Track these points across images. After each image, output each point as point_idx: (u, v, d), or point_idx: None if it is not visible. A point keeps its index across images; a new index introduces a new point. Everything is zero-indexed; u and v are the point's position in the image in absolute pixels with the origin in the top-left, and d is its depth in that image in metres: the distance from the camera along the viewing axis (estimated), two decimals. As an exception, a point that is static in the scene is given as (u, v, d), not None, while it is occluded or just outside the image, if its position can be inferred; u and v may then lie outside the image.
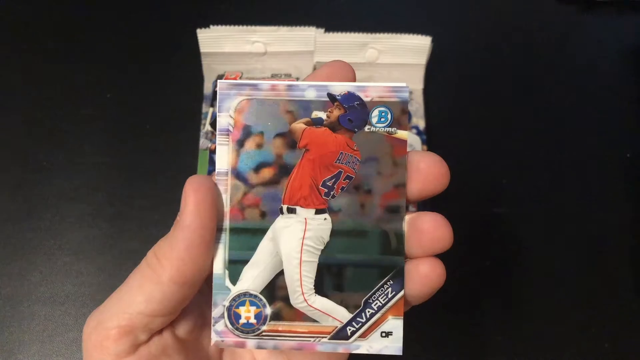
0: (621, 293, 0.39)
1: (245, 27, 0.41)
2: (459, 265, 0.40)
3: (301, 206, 0.22)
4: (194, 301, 0.23)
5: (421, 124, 0.42)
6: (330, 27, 0.42)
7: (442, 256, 0.39)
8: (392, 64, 0.42)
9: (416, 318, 0.37)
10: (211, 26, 0.41)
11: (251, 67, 0.42)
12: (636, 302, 0.39)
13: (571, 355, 0.38)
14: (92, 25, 0.45)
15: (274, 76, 0.42)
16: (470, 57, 0.46)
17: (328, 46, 0.41)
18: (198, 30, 0.41)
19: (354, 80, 0.23)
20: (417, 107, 0.43)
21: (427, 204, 0.39)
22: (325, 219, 0.22)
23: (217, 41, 0.41)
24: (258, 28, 0.41)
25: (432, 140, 0.42)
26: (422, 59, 0.42)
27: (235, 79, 0.42)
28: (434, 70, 0.43)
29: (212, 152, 0.39)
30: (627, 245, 0.41)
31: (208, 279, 0.22)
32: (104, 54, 0.45)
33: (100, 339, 0.21)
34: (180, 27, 0.44)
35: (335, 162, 0.22)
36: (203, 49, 0.41)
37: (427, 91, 0.43)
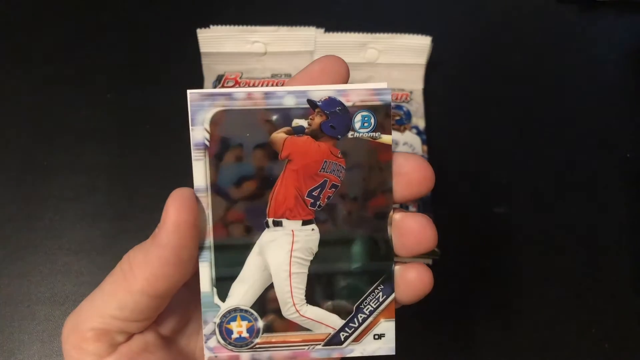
0: (621, 293, 0.39)
1: (245, 27, 0.41)
2: (459, 265, 0.40)
3: (287, 218, 0.22)
4: (177, 300, 0.23)
5: (421, 124, 0.42)
6: (330, 27, 0.42)
7: (443, 256, 0.39)
8: (392, 64, 0.42)
9: (416, 317, 0.38)
10: (211, 26, 0.41)
11: (251, 67, 0.42)
12: (636, 302, 0.39)
13: (571, 355, 0.38)
14: (92, 25, 0.45)
15: (274, 76, 0.42)
16: (470, 57, 0.46)
17: (328, 46, 0.41)
18: (198, 30, 0.41)
19: (348, 75, 0.22)
20: (417, 107, 0.43)
21: (427, 204, 0.39)
22: (313, 229, 0.22)
23: (217, 41, 0.41)
24: (258, 28, 0.41)
25: (432, 140, 0.42)
26: (422, 59, 0.42)
27: (235, 79, 0.42)
28: (434, 70, 0.43)
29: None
30: (626, 245, 0.41)
31: (194, 275, 0.22)
32: (104, 54, 0.45)
33: (77, 341, 0.21)
34: (180, 27, 0.44)
35: (320, 171, 0.22)
36: (203, 49, 0.41)
37: (427, 91, 0.43)
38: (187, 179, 0.41)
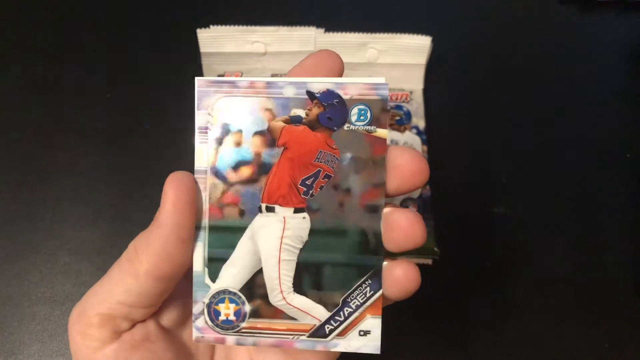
0: (621, 293, 0.39)
1: (245, 27, 0.41)
2: (459, 265, 0.40)
3: (280, 205, 0.22)
4: (179, 292, 0.23)
5: (421, 124, 0.42)
6: (330, 27, 0.42)
7: (443, 256, 0.39)
8: (392, 64, 0.42)
9: (415, 317, 0.38)
10: (211, 26, 0.41)
11: (251, 67, 0.42)
12: (636, 302, 0.39)
13: (571, 355, 0.38)
14: (92, 25, 0.46)
15: (274, 76, 0.42)
16: (470, 57, 0.46)
17: (328, 46, 0.41)
18: (198, 30, 0.41)
19: (342, 70, 0.23)
20: (417, 107, 0.43)
21: (427, 204, 0.39)
22: (304, 217, 0.22)
23: (217, 41, 0.41)
24: (258, 28, 0.41)
25: (432, 140, 0.42)
26: (422, 59, 0.42)
27: (235, 79, 0.42)
28: (434, 70, 0.43)
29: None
30: (627, 246, 0.41)
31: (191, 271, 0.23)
32: (104, 54, 0.45)
33: (83, 327, 0.21)
34: (180, 27, 0.44)
35: (314, 160, 0.22)
36: (203, 49, 0.41)
37: (427, 91, 0.43)
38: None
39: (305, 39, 0.41)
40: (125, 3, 0.46)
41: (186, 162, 0.40)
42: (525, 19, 0.48)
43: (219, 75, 0.42)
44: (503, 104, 0.45)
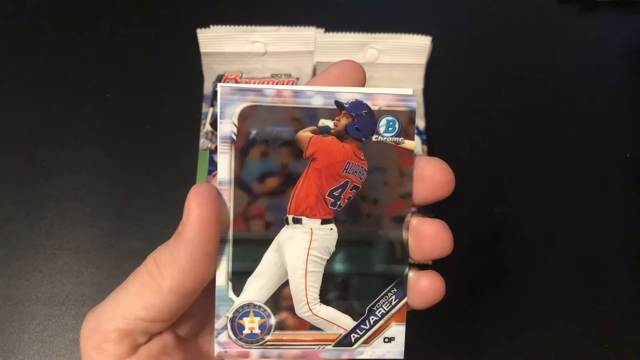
0: (621, 293, 0.39)
1: (245, 27, 0.41)
2: (459, 265, 0.40)
3: (307, 216, 0.22)
4: (196, 301, 0.23)
5: (421, 124, 0.42)
6: (330, 27, 0.42)
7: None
8: (392, 64, 0.42)
9: (414, 317, 0.37)
10: (211, 26, 0.41)
11: (251, 67, 0.42)
12: (636, 302, 0.39)
13: (571, 355, 0.38)
14: (92, 25, 0.45)
15: (274, 76, 0.42)
16: (470, 57, 0.46)
17: (328, 46, 0.41)
18: (198, 30, 0.41)
19: (365, 81, 0.23)
20: (417, 107, 0.43)
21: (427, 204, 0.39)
22: (331, 229, 0.22)
23: (217, 41, 0.41)
24: (258, 28, 0.41)
25: (432, 140, 0.42)
26: (422, 59, 0.42)
27: (235, 79, 0.42)
28: (434, 70, 0.43)
29: (212, 152, 0.39)
30: (627, 246, 0.41)
31: (212, 281, 0.22)
32: (104, 54, 0.45)
33: (99, 342, 0.21)
34: (180, 27, 0.44)
35: (342, 171, 0.22)
36: (203, 49, 0.41)
37: (427, 91, 0.43)
38: (187, 179, 0.41)
39: (305, 39, 0.41)
40: (125, 3, 0.46)
41: (188, 163, 0.41)
42: (525, 19, 0.48)
43: (219, 75, 0.42)
44: (503, 103, 0.45)
